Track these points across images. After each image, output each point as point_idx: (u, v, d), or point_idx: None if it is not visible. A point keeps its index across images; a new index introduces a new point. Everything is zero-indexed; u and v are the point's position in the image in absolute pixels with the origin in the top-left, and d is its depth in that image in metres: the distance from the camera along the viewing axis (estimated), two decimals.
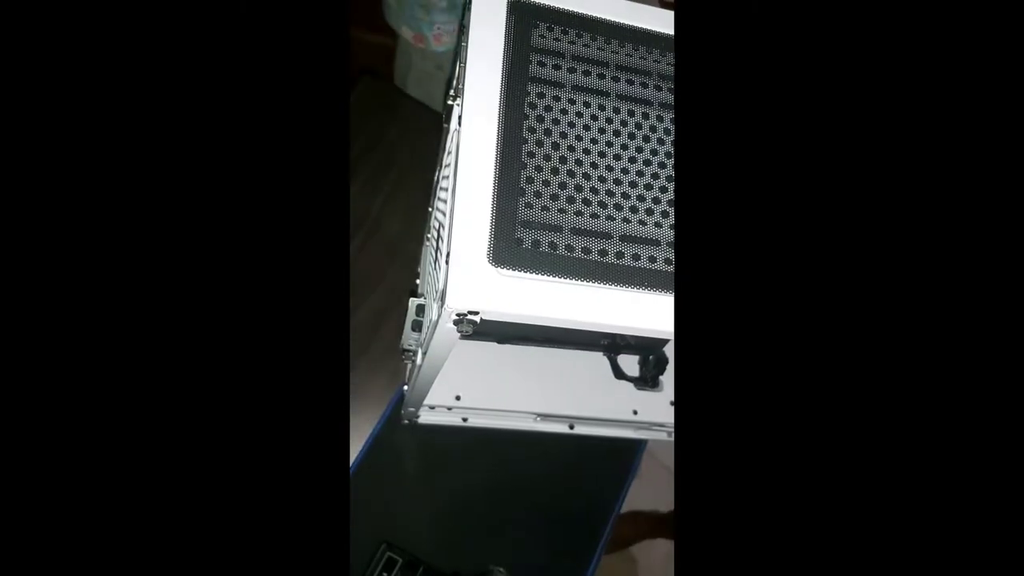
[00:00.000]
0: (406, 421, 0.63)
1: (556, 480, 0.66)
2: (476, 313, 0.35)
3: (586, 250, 0.37)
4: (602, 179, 0.39)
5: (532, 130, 0.39)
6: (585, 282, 0.36)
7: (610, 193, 0.39)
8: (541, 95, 0.40)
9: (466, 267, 0.35)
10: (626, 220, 0.38)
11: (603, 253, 0.37)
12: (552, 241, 0.36)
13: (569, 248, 0.36)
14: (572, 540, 0.65)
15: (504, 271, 0.35)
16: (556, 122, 0.39)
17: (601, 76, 0.42)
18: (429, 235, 0.59)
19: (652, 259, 0.37)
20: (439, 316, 0.36)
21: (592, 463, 0.68)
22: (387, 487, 0.63)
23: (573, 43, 0.42)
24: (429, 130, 0.85)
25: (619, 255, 0.37)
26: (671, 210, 0.39)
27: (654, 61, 0.43)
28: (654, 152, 0.40)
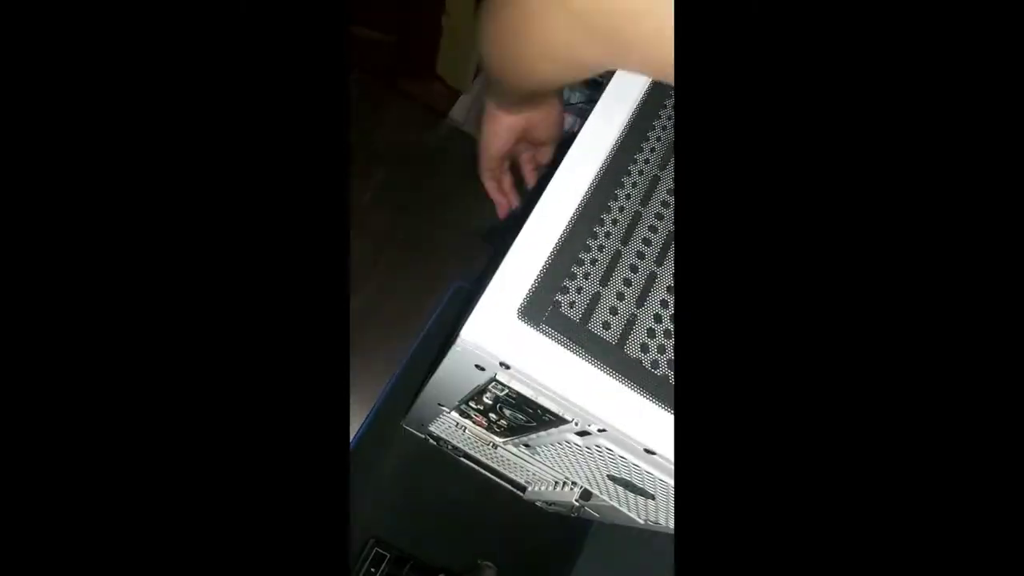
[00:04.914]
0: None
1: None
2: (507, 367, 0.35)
3: (610, 337, 0.36)
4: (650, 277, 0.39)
5: (610, 209, 0.39)
6: (601, 367, 0.36)
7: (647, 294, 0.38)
8: (632, 179, 0.40)
9: (493, 309, 0.35)
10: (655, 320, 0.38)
11: (622, 345, 0.36)
12: (584, 316, 0.36)
13: (599, 328, 0.36)
14: (560, 534, 0.66)
15: (531, 328, 0.35)
16: (635, 212, 0.40)
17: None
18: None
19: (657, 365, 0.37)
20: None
21: None
22: (375, 482, 0.63)
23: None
24: (419, 127, 0.86)
25: (642, 348, 0.37)
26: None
27: None
28: None
